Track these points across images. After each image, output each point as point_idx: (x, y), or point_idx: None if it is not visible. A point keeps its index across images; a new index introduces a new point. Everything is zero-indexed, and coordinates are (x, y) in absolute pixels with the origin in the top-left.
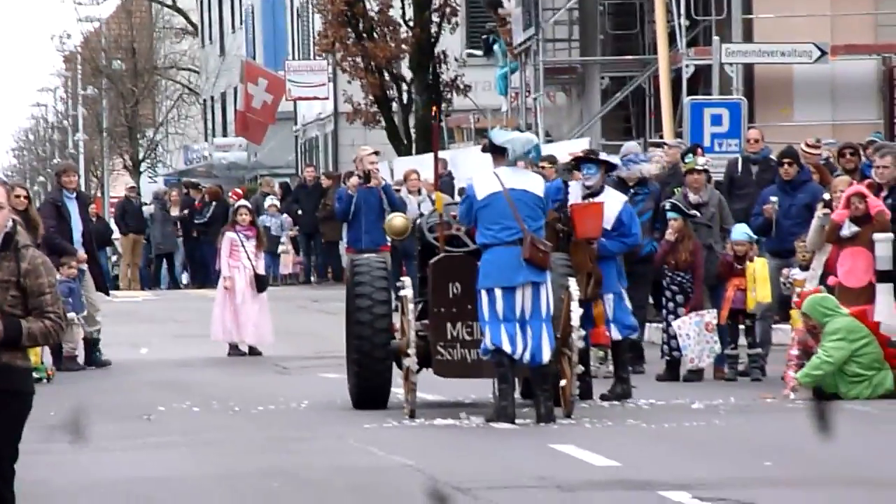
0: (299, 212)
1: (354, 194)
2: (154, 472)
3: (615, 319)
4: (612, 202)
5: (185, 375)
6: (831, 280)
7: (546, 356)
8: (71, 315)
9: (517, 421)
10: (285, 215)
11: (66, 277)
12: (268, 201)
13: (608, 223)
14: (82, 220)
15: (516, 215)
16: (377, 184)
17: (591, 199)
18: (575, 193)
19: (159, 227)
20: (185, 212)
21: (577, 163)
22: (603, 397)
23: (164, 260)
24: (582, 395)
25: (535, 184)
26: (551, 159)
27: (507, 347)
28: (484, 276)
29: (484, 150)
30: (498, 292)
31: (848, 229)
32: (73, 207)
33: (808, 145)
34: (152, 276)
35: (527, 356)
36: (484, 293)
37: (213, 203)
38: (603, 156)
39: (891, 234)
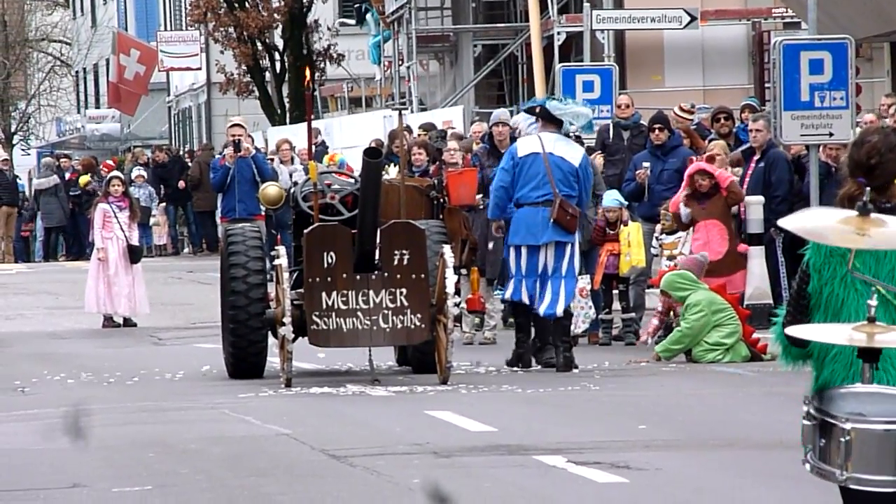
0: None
1: (233, 165)
2: (29, 443)
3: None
4: None
5: (59, 347)
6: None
7: (560, 309)
8: None
9: (391, 389)
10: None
11: None
12: (135, 172)
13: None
14: None
15: (550, 178)
16: (247, 153)
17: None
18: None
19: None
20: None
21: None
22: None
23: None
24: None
25: (574, 154)
26: (427, 126)
27: (525, 299)
28: (513, 233)
29: (531, 112)
30: (523, 250)
31: (685, 217)
32: None
33: (682, 109)
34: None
35: (542, 309)
36: (512, 249)
37: (88, 174)
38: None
39: (761, 198)
